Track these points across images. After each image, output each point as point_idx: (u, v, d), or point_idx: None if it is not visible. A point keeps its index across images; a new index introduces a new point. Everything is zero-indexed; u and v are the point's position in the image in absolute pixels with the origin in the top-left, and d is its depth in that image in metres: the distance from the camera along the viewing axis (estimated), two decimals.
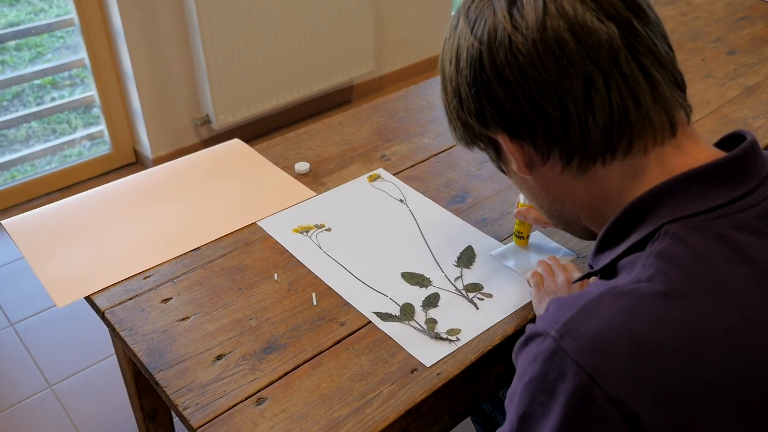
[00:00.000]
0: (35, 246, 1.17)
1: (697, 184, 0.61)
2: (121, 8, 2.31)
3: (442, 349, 0.96)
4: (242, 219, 1.22)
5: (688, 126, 0.66)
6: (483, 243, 1.16)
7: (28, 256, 1.15)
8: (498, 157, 0.74)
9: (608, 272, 0.66)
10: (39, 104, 2.78)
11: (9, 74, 2.52)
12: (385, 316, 1.01)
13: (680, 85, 0.65)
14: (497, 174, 1.33)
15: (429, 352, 0.95)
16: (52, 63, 2.53)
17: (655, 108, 0.63)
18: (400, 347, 0.96)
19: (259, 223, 1.21)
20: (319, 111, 3.05)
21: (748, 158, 0.62)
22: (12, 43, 2.79)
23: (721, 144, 0.69)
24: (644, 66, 0.62)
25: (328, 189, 1.30)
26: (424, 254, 1.14)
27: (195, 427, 0.86)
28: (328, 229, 1.19)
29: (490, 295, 1.05)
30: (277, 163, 1.37)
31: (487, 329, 0.99)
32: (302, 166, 1.34)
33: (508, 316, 1.02)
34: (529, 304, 1.04)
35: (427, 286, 1.07)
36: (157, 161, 2.63)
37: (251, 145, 1.43)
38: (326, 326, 1.00)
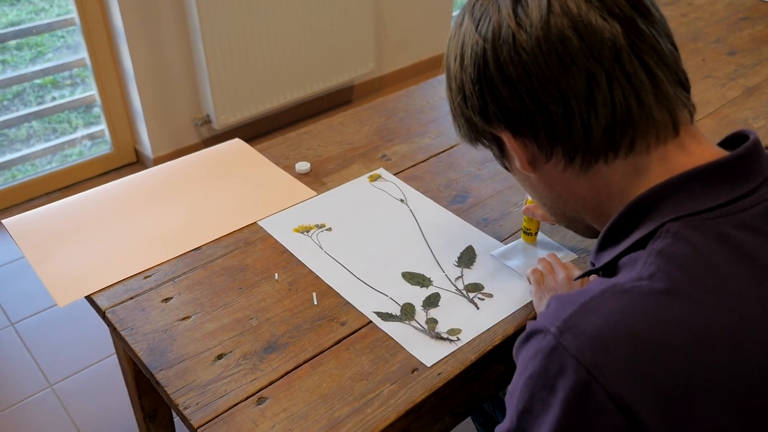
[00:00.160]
0: (36, 245, 1.17)
1: (699, 183, 0.61)
2: (121, 8, 2.31)
3: (443, 349, 0.96)
4: (243, 219, 1.22)
5: (691, 125, 0.66)
6: (484, 243, 1.16)
7: (28, 256, 1.15)
8: (501, 154, 0.74)
9: (609, 270, 0.66)
10: (40, 104, 2.79)
11: (10, 74, 2.53)
12: (386, 316, 1.01)
13: (684, 84, 0.65)
14: (498, 174, 1.33)
15: (429, 352, 0.96)
16: (52, 62, 2.53)
17: (658, 107, 0.63)
18: (401, 347, 0.96)
19: (259, 223, 1.21)
20: (320, 111, 3.05)
21: (751, 158, 0.62)
22: (13, 42, 2.79)
23: (724, 143, 0.69)
24: (647, 64, 0.62)
25: (328, 189, 1.30)
26: (425, 254, 1.14)
27: (196, 427, 0.86)
28: (329, 229, 1.19)
29: (490, 295, 1.05)
30: (277, 163, 1.37)
31: (488, 329, 0.99)
32: (303, 166, 1.34)
33: (509, 316, 1.02)
34: (530, 304, 1.04)
35: (427, 286, 1.07)
36: (158, 161, 2.63)
37: (252, 145, 1.43)
38: (327, 326, 1.00)
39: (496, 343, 0.98)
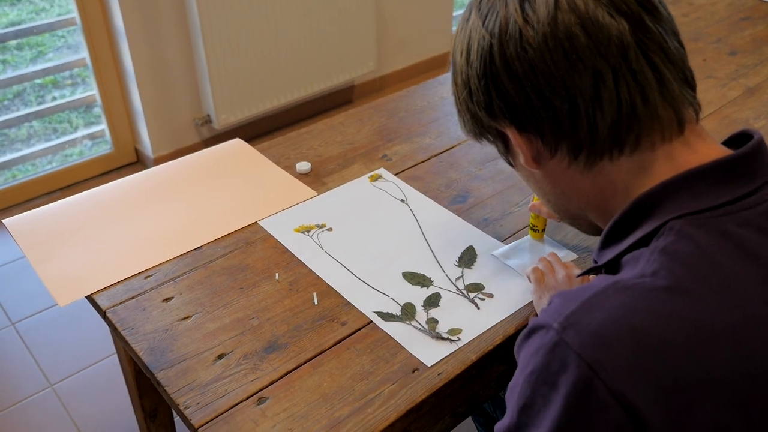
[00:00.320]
0: (36, 245, 1.17)
1: (703, 181, 0.61)
2: (122, 8, 2.31)
3: (443, 349, 0.96)
4: (243, 219, 1.22)
5: (696, 123, 0.66)
6: (484, 243, 1.16)
7: (29, 256, 1.15)
8: (506, 150, 0.74)
9: (612, 268, 0.66)
10: (40, 103, 2.79)
11: (10, 73, 2.53)
12: (386, 316, 1.01)
13: (690, 83, 0.65)
14: (498, 174, 1.34)
15: (430, 352, 0.95)
16: (53, 62, 2.53)
17: (664, 104, 0.63)
18: (401, 347, 0.96)
19: (260, 223, 1.21)
20: (321, 111, 3.05)
21: (755, 157, 0.63)
22: (13, 42, 2.80)
23: (727, 143, 0.69)
24: (654, 62, 0.62)
25: (329, 189, 1.30)
26: (425, 254, 1.14)
27: (196, 427, 0.86)
28: (329, 229, 1.19)
29: (491, 295, 1.05)
30: (278, 163, 1.37)
31: (488, 329, 0.99)
32: (303, 166, 1.34)
33: (509, 316, 1.02)
34: (531, 304, 1.04)
35: (428, 286, 1.07)
36: (158, 161, 2.63)
37: (252, 145, 1.43)
38: (327, 326, 1.00)
39: (497, 343, 0.98)
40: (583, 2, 0.61)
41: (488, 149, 1.41)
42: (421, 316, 1.01)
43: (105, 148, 2.69)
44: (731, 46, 1.83)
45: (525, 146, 0.69)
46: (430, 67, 3.39)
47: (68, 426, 1.73)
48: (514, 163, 0.76)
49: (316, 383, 0.91)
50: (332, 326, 1.00)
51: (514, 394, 0.60)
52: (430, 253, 1.14)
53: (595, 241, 1.16)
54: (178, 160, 1.39)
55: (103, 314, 1.04)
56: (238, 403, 0.89)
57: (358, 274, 1.09)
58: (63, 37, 3.03)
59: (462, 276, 1.09)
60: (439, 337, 0.98)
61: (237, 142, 1.45)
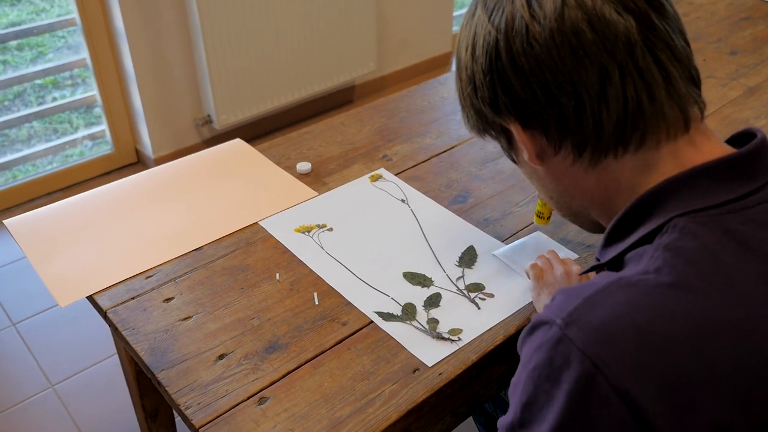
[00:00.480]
0: (37, 245, 1.17)
1: (707, 179, 0.61)
2: (122, 8, 2.31)
3: (444, 349, 0.96)
4: (244, 219, 1.22)
5: (701, 122, 0.66)
6: (484, 243, 1.16)
7: (30, 256, 1.15)
8: (509, 146, 0.74)
9: (615, 265, 0.66)
10: (40, 104, 2.79)
11: (10, 74, 2.53)
12: (387, 316, 1.01)
13: (695, 81, 0.65)
14: (499, 174, 1.34)
15: (431, 352, 0.95)
16: (53, 63, 2.54)
17: (669, 102, 0.63)
18: (402, 347, 0.96)
19: (260, 223, 1.21)
20: (321, 111, 3.05)
21: (758, 155, 0.63)
22: (13, 42, 2.80)
23: (731, 141, 0.69)
24: (660, 60, 0.62)
25: (329, 189, 1.30)
26: (426, 254, 1.14)
27: (197, 427, 0.86)
28: (330, 229, 1.19)
29: (491, 295, 1.05)
30: (278, 163, 1.37)
31: (489, 329, 0.99)
32: (304, 166, 1.34)
33: (510, 315, 1.02)
34: (531, 304, 1.04)
35: (428, 286, 1.07)
36: (159, 161, 2.63)
37: (253, 145, 1.43)
38: (328, 326, 1.00)
39: (498, 343, 0.98)
40: None
41: (489, 149, 1.41)
42: (422, 316, 1.01)
43: (105, 148, 2.69)
44: (732, 45, 1.83)
45: (529, 143, 0.69)
46: (431, 68, 3.39)
47: (69, 426, 1.73)
48: (517, 159, 0.76)
49: (316, 383, 0.91)
50: (333, 326, 1.00)
51: (516, 390, 0.60)
52: (431, 253, 1.14)
53: (596, 239, 1.16)
54: (178, 160, 1.39)
55: (103, 314, 1.04)
56: (239, 404, 0.89)
57: (359, 274, 1.09)
58: (63, 37, 3.03)
59: (462, 276, 1.09)
60: (439, 337, 0.98)
61: (237, 143, 1.45)
